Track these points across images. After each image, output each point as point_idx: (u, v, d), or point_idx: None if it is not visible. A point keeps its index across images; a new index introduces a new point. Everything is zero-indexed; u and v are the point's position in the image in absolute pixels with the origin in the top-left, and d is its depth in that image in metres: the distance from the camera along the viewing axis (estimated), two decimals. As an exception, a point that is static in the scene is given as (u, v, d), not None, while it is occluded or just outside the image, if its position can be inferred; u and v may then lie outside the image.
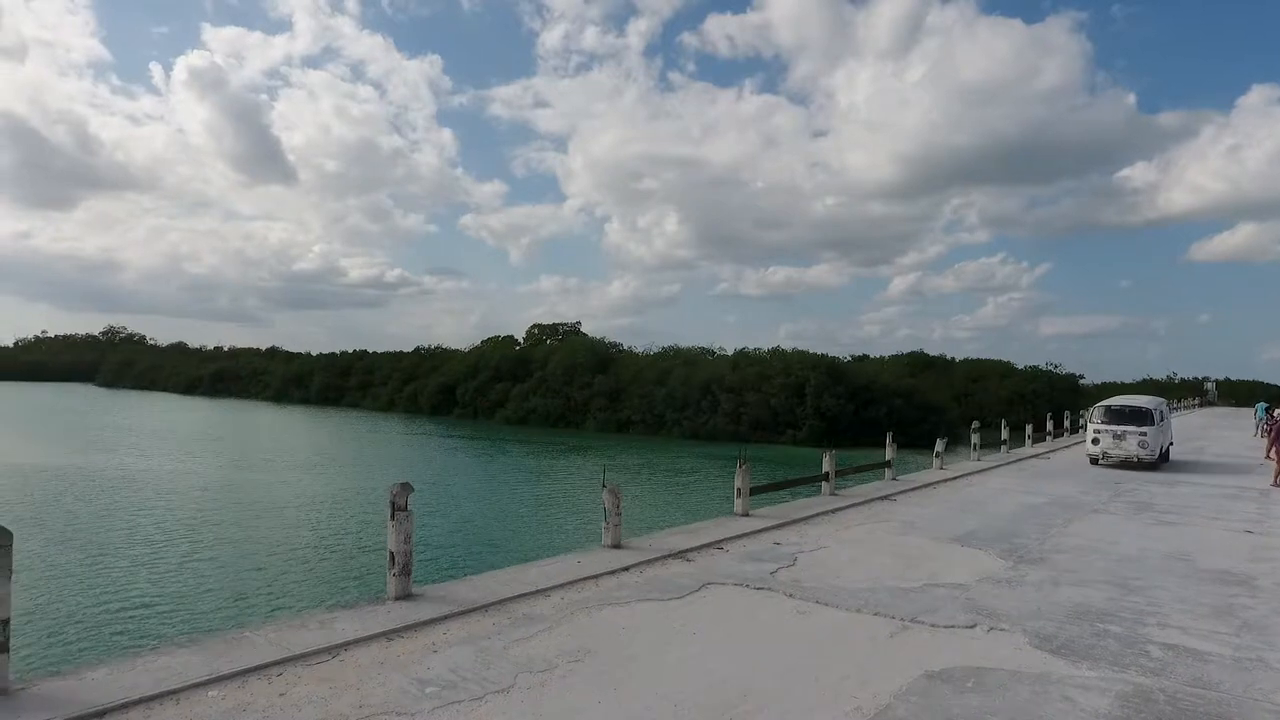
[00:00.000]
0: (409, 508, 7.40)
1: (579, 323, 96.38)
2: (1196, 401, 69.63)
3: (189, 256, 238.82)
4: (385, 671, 5.74)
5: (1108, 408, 20.62)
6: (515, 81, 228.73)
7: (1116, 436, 19.71)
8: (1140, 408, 20.23)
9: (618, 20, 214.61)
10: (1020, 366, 73.82)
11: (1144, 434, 19.40)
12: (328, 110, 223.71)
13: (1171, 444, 22.82)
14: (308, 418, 71.02)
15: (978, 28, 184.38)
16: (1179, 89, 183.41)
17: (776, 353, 62.47)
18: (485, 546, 19.19)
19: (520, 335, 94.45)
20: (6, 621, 5.11)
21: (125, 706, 4.98)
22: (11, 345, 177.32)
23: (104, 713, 4.90)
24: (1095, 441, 20.14)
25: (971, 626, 7.19)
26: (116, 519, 21.58)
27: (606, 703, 5.32)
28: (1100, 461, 20.11)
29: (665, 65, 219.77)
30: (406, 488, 7.39)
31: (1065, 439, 30.37)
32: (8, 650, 5.13)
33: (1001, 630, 7.09)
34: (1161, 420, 20.51)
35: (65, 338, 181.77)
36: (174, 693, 5.22)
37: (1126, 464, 19.85)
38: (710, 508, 23.79)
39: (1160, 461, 20.22)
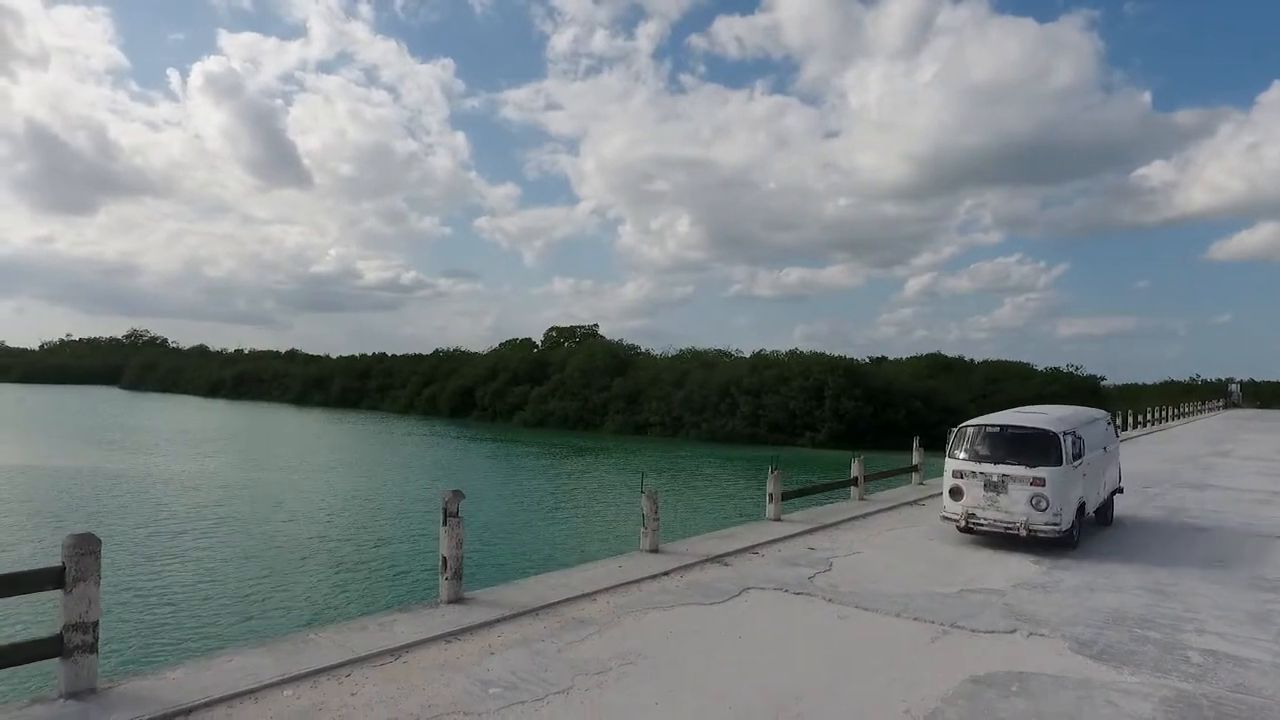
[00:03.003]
0: (460, 514, 7.63)
1: (596, 325, 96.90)
2: (1221, 403, 68.83)
3: (207, 260, 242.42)
4: (447, 673, 5.96)
5: (981, 429, 11.37)
6: (526, 84, 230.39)
7: (991, 486, 10.76)
8: (1038, 431, 10.89)
9: (626, 23, 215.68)
10: (1039, 368, 73.53)
11: (1040, 482, 10.46)
12: (342, 114, 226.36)
13: (1119, 490, 13.90)
14: (330, 420, 71.77)
15: (989, 27, 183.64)
16: (1195, 86, 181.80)
17: (794, 355, 62.46)
18: (518, 549, 19.45)
19: (535, 337, 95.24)
20: (95, 623, 5.38)
21: (209, 705, 5.24)
22: (37, 349, 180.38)
23: (190, 710, 5.16)
24: (955, 493, 11.11)
25: (1011, 631, 7.32)
26: (161, 518, 22.03)
27: (664, 703, 5.51)
28: (970, 529, 10.92)
29: (675, 67, 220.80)
30: (458, 495, 7.61)
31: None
32: (96, 650, 5.41)
33: (1041, 635, 7.22)
34: (1079, 456, 10.96)
35: (89, 341, 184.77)
36: (251, 692, 5.47)
37: (1011, 538, 10.80)
38: (738, 510, 23.96)
39: (1076, 532, 10.88)
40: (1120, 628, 7.49)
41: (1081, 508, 11.07)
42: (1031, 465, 10.55)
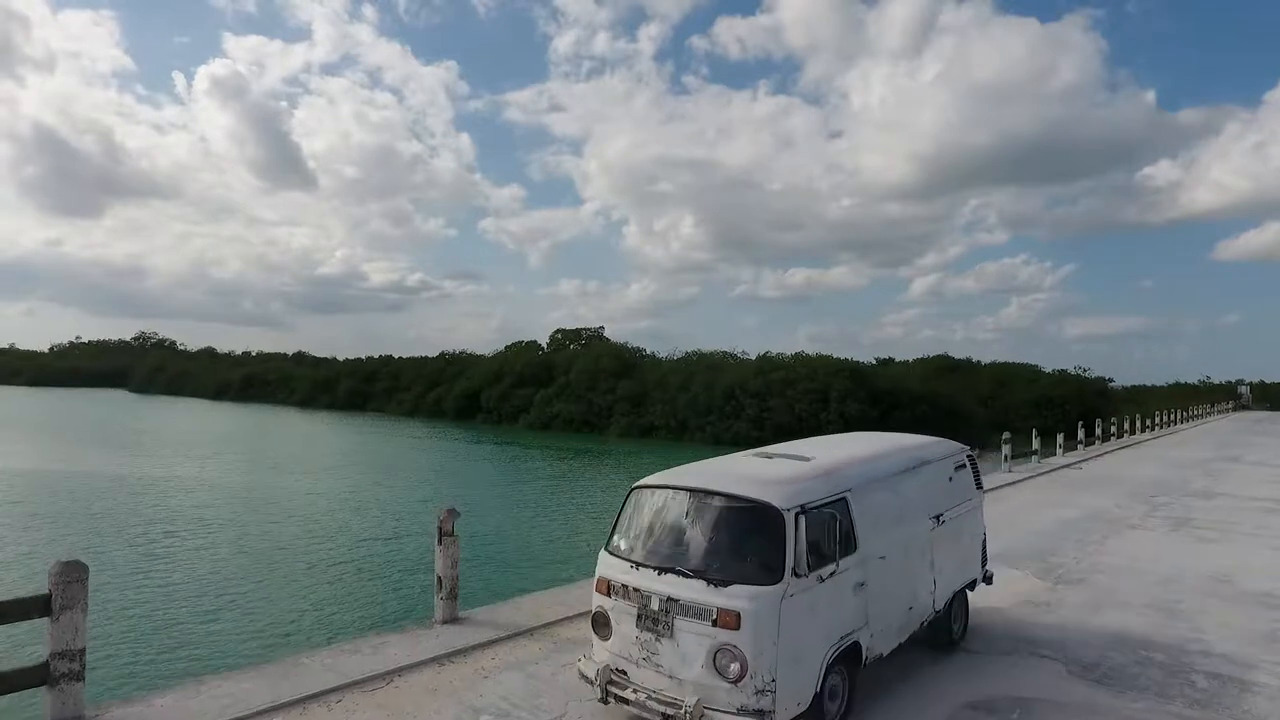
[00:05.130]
0: (455, 533, 7.57)
1: (602, 327, 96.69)
2: (1230, 405, 68.36)
3: (214, 262, 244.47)
4: (439, 699, 5.90)
5: (659, 494, 5.67)
6: (530, 86, 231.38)
7: (649, 619, 5.11)
8: (746, 506, 5.26)
9: (628, 25, 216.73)
10: (1047, 369, 73.20)
11: (731, 621, 4.80)
12: (347, 117, 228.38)
13: (982, 579, 7.88)
14: (336, 423, 71.91)
15: (992, 27, 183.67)
16: (1200, 85, 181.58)
17: (800, 357, 62.33)
18: (516, 561, 19.38)
19: (541, 338, 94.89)
20: (82, 651, 5.33)
21: (196, 735, 5.18)
22: (47, 351, 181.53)
23: (176, 741, 5.10)
24: (599, 625, 5.53)
25: (1012, 653, 7.21)
26: (154, 525, 22.05)
27: (657, 733, 5.42)
28: (610, 699, 5.31)
29: (677, 69, 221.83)
30: (453, 514, 7.55)
31: (1097, 447, 30.02)
32: (83, 678, 5.36)
33: (1043, 657, 7.11)
34: (842, 554, 5.38)
35: (98, 343, 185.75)
36: (240, 720, 5.42)
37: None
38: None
39: (831, 709, 5.33)
40: (1124, 649, 7.36)
41: (850, 656, 5.48)
42: (721, 581, 4.95)
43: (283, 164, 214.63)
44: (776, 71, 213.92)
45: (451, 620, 7.50)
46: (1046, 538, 12.63)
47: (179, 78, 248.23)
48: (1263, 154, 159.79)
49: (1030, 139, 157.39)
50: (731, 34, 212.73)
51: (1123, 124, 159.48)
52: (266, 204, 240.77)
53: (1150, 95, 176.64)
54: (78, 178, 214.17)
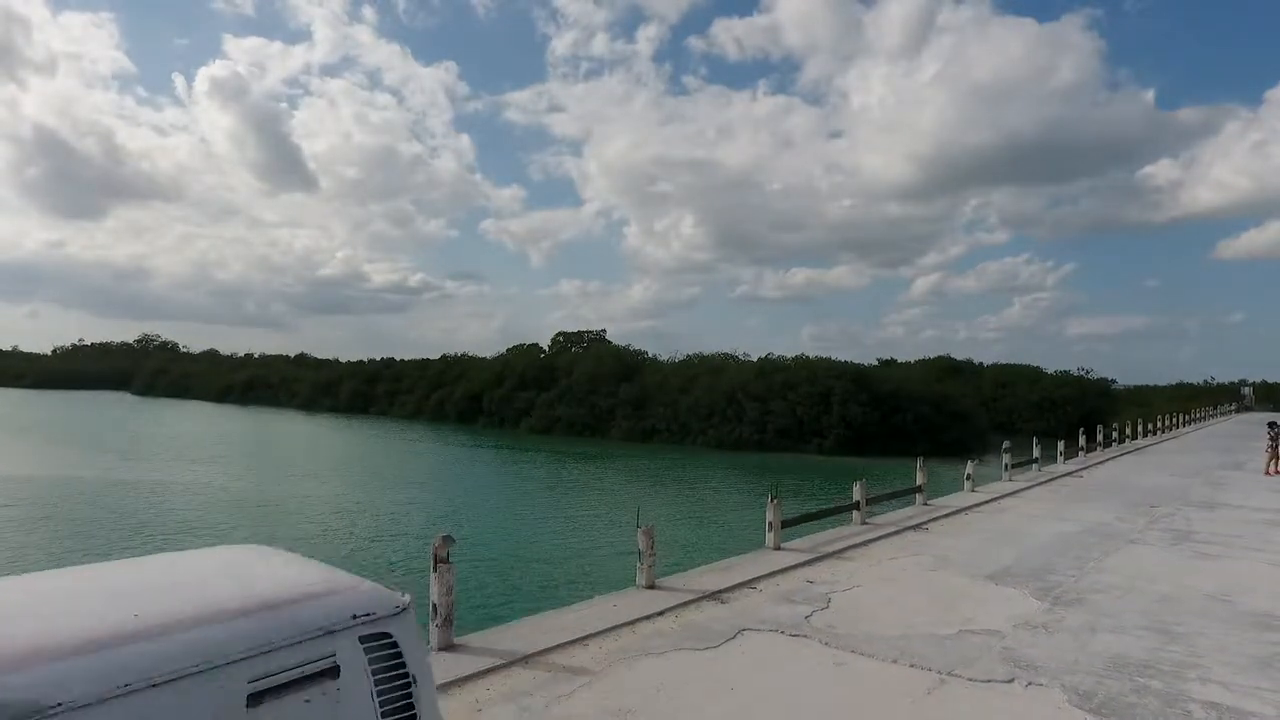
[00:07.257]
0: (450, 559, 7.56)
1: (604, 330, 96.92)
2: (1233, 407, 68.17)
3: (216, 263, 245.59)
4: (433, 733, 5.88)
5: None
6: (529, 87, 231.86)
7: None
8: None
9: (626, 26, 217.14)
10: (1049, 370, 73.26)
11: None
12: (347, 118, 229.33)
13: None
14: (338, 427, 72.00)
15: (990, 26, 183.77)
16: (1200, 84, 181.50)
17: (801, 360, 62.35)
18: (514, 576, 19.37)
19: (542, 339, 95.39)
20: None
21: None
22: (50, 353, 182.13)
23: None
24: None
25: (1009, 681, 7.19)
26: (145, 529, 22.10)
27: (650, 771, 5.41)
28: None
29: (676, 70, 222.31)
30: (448, 540, 7.54)
31: (1098, 453, 29.96)
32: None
33: (1040, 685, 7.08)
34: None
35: (101, 345, 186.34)
36: None
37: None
38: (740, 526, 23.79)
39: None
40: (1121, 676, 7.32)
41: None
42: None
43: (284, 165, 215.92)
44: (775, 72, 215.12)
45: (447, 648, 7.47)
46: (1045, 553, 12.60)
47: (179, 79, 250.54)
48: (1263, 152, 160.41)
49: (1030, 138, 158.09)
50: (729, 34, 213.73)
51: (1122, 123, 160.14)
52: (268, 205, 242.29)
53: (1150, 94, 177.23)
54: (80, 180, 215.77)
